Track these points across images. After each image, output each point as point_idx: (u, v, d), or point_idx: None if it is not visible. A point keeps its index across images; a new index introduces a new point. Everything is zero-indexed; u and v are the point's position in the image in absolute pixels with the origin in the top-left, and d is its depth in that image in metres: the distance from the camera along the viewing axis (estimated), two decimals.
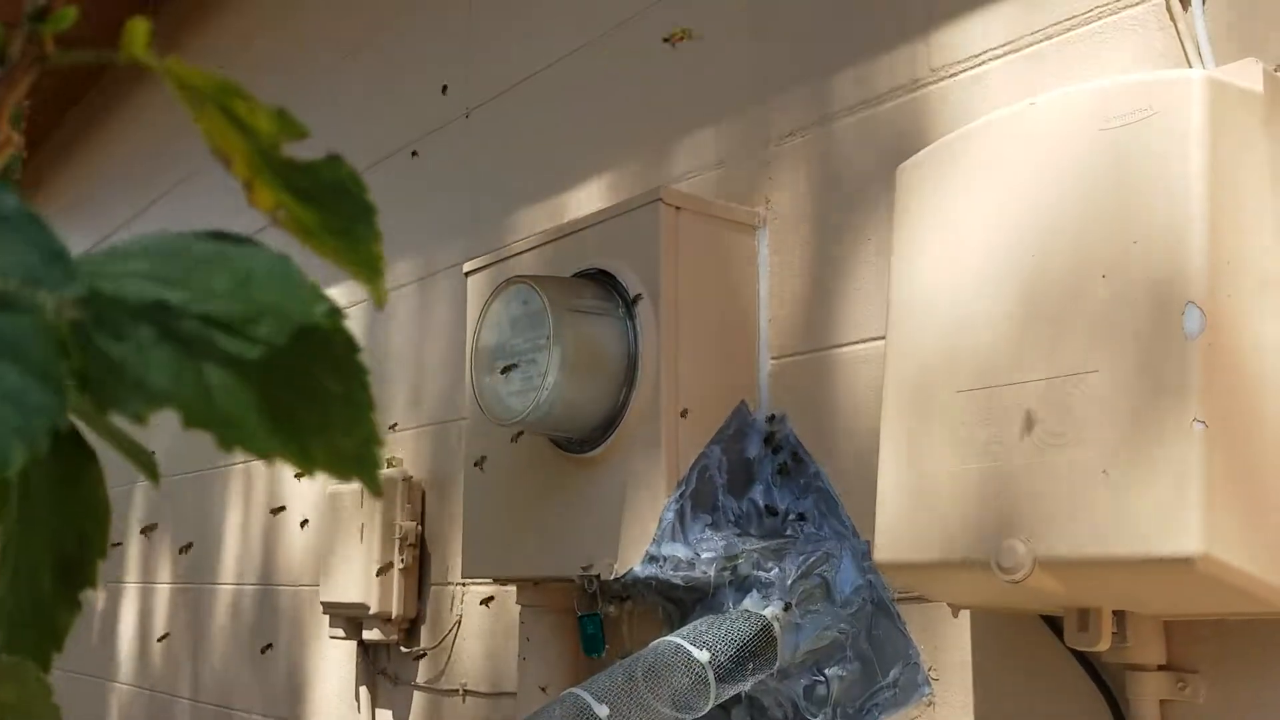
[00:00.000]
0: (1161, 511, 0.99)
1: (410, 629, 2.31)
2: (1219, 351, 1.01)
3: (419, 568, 2.30)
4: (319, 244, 0.37)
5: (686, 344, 1.60)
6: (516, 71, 2.27)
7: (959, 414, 1.17)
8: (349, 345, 0.36)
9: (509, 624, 2.01)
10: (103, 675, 3.88)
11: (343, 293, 2.59)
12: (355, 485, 2.20)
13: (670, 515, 1.52)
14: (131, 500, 3.76)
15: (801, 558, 1.49)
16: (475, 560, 1.85)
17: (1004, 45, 1.44)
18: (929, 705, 1.41)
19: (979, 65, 1.47)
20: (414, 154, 2.55)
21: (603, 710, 1.35)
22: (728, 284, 1.68)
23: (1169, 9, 1.28)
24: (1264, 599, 1.01)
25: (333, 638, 2.41)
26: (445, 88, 2.46)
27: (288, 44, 3.20)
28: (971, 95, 1.47)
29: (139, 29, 0.35)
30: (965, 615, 1.37)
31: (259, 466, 2.95)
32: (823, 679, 1.47)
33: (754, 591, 1.49)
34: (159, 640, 3.34)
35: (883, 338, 1.36)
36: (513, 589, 1.89)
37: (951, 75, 1.50)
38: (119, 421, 0.35)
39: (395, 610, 2.25)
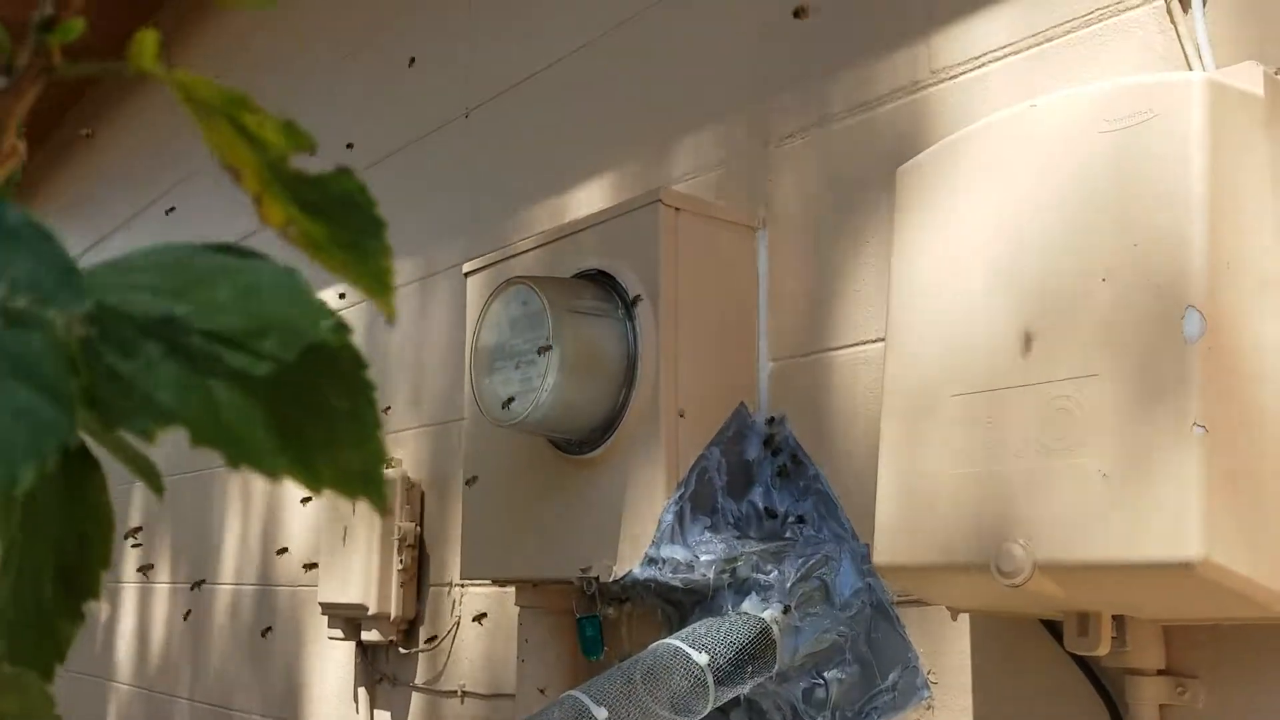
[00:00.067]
0: (1161, 516, 0.99)
1: (409, 630, 2.31)
2: (1219, 355, 1.01)
3: (418, 568, 2.30)
4: (328, 259, 0.37)
5: (686, 345, 1.59)
6: (516, 71, 2.27)
7: (959, 417, 1.17)
8: (355, 361, 0.36)
9: (508, 625, 2.01)
10: (101, 675, 3.88)
11: (340, 292, 2.58)
12: None
13: (669, 517, 1.52)
14: (130, 500, 3.76)
15: (801, 560, 1.48)
16: (474, 562, 1.85)
17: (1004, 47, 1.44)
18: (928, 709, 1.41)
19: (979, 67, 1.46)
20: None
21: (601, 713, 1.35)
22: (727, 285, 1.67)
23: (1169, 11, 1.28)
24: (1264, 604, 1.01)
25: (331, 639, 2.41)
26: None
27: (288, 44, 3.20)
28: (971, 97, 1.46)
29: (148, 41, 0.35)
30: (964, 619, 1.37)
31: None
32: (822, 682, 1.47)
33: (753, 594, 1.49)
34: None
35: (882, 340, 1.36)
36: (510, 592, 1.89)
37: (952, 77, 1.49)
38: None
39: (394, 611, 2.25)
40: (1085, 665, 1.23)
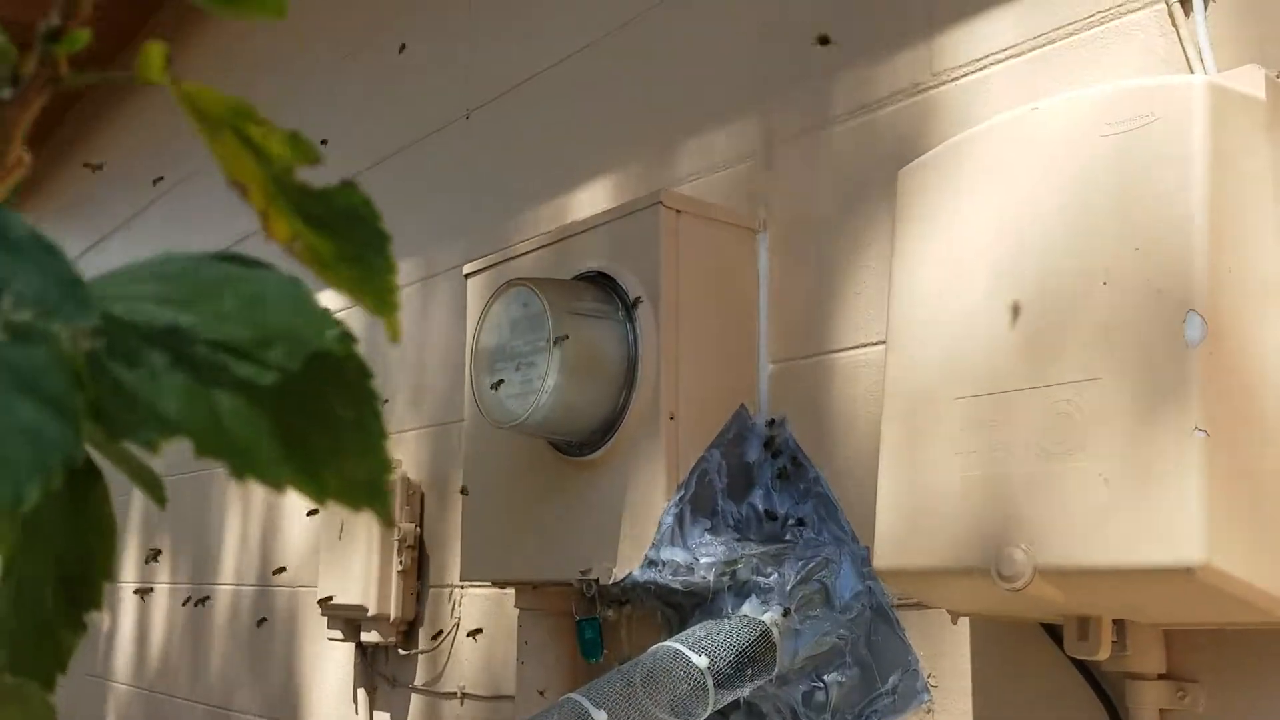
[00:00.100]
0: (1162, 520, 0.99)
1: (409, 631, 2.31)
2: (1220, 359, 1.01)
3: (417, 570, 2.30)
4: (333, 275, 0.37)
5: (686, 347, 1.59)
6: (517, 73, 2.27)
7: (959, 420, 1.17)
8: (360, 370, 0.36)
9: (507, 627, 2.00)
10: (100, 675, 3.87)
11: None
12: None
13: (669, 519, 1.52)
14: (130, 503, 3.75)
15: (801, 563, 1.48)
16: (474, 563, 1.85)
17: (1006, 49, 1.43)
18: (928, 713, 1.41)
19: (981, 69, 1.46)
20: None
21: (601, 716, 1.35)
22: (728, 287, 1.67)
23: (1171, 14, 1.28)
24: (1265, 609, 1.01)
25: (331, 639, 2.41)
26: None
27: (287, 44, 3.20)
28: (973, 99, 1.46)
29: (154, 52, 0.35)
30: (965, 622, 1.37)
31: None
32: (822, 685, 1.47)
33: (753, 597, 1.48)
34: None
35: (883, 342, 1.36)
36: (510, 594, 1.89)
37: (953, 79, 1.49)
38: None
39: (394, 612, 2.24)
40: (1085, 669, 1.23)
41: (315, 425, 0.35)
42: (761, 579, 1.48)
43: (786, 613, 1.46)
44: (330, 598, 2.27)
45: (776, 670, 1.45)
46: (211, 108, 0.36)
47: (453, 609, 2.21)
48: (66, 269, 0.32)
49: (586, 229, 1.71)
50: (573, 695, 1.40)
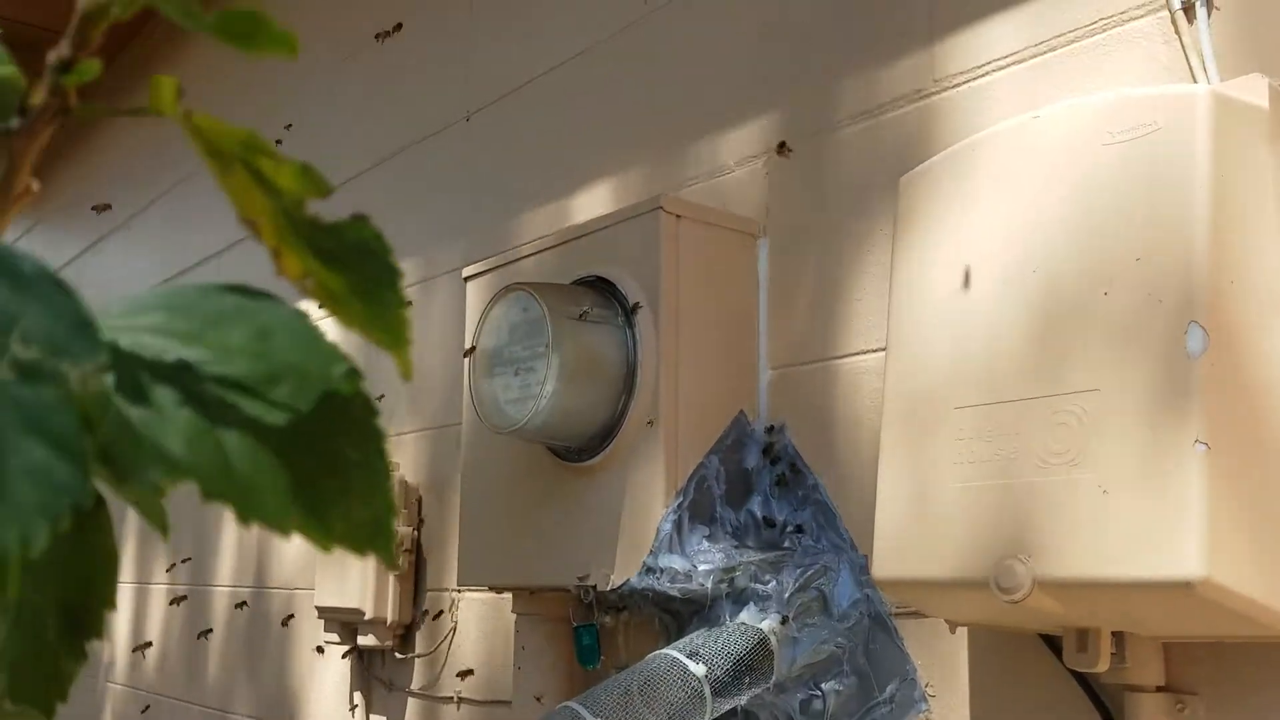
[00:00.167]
0: (1161, 534, 0.98)
1: (405, 635, 2.30)
2: (1222, 371, 1.00)
3: (415, 573, 2.29)
4: (345, 312, 0.37)
5: (686, 353, 1.59)
6: (517, 75, 2.27)
7: (959, 430, 1.16)
8: (367, 409, 0.36)
9: (505, 632, 2.00)
10: (96, 677, 3.87)
11: None
12: None
13: (668, 526, 1.51)
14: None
15: (799, 570, 1.48)
16: (471, 568, 1.84)
17: (1008, 56, 1.43)
18: None
19: (983, 76, 1.46)
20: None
21: None
22: (728, 293, 1.67)
23: (1174, 22, 1.27)
24: (1265, 624, 1.00)
25: (327, 643, 2.40)
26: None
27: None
28: (975, 106, 1.45)
29: (166, 86, 0.34)
30: (963, 632, 1.36)
31: None
32: (819, 693, 1.46)
33: (751, 604, 1.48)
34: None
35: (883, 349, 1.35)
36: (507, 599, 1.88)
37: (955, 86, 1.48)
38: None
39: (390, 616, 2.24)
40: (1084, 680, 1.22)
41: (323, 466, 0.34)
42: (759, 586, 1.47)
43: (784, 620, 1.45)
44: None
45: (774, 678, 1.44)
46: (222, 141, 0.36)
47: (452, 612, 2.21)
48: (77, 308, 0.32)
49: (586, 233, 1.71)
50: (570, 703, 1.39)
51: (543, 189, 2.16)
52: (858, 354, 1.55)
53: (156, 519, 0.38)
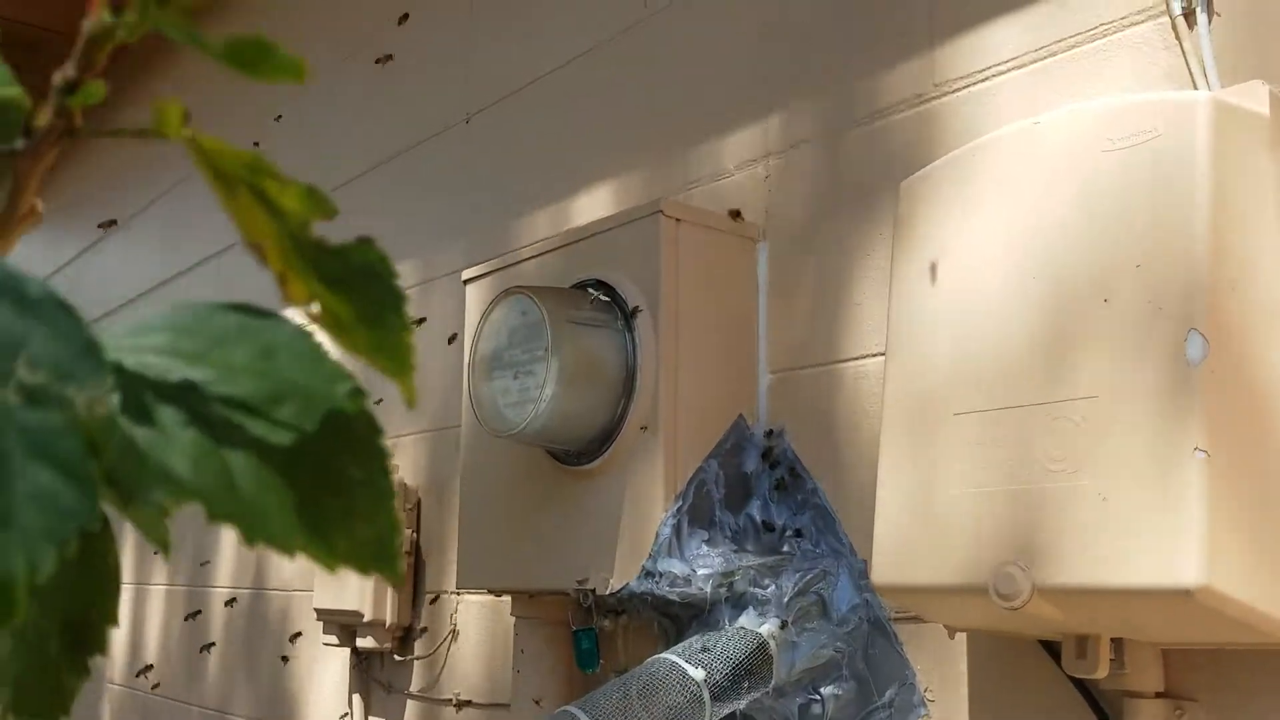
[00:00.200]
0: (1161, 541, 0.98)
1: (404, 637, 2.30)
2: (1222, 379, 1.00)
3: (414, 575, 2.29)
4: (350, 339, 0.37)
5: (685, 357, 1.59)
6: (517, 76, 2.26)
7: (958, 437, 1.16)
8: (371, 427, 0.36)
9: (504, 634, 2.00)
10: (95, 677, 3.87)
11: None
12: None
13: (667, 530, 1.51)
14: None
15: (798, 575, 1.48)
16: (470, 571, 1.84)
17: (1009, 61, 1.43)
18: None
19: (983, 81, 1.46)
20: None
21: None
22: (727, 297, 1.67)
23: (1174, 28, 1.27)
24: (1265, 631, 1.00)
25: (326, 645, 2.40)
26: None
27: (288, 45, 3.19)
28: (975, 111, 1.46)
29: (172, 111, 0.34)
30: (962, 637, 1.36)
31: None
32: (818, 698, 1.46)
33: (750, 608, 1.48)
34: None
35: (883, 354, 1.35)
36: (506, 601, 1.88)
37: (955, 90, 1.49)
38: None
39: (389, 618, 2.24)
40: (1083, 686, 1.22)
41: (327, 486, 0.34)
42: (759, 591, 1.47)
43: (784, 625, 1.45)
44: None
45: (773, 683, 1.44)
46: (227, 164, 0.36)
47: (452, 615, 2.21)
48: (83, 332, 0.32)
49: (586, 237, 1.71)
50: (568, 708, 1.39)
51: (542, 191, 2.16)
52: (857, 358, 1.55)
53: (160, 539, 0.38)
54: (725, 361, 1.64)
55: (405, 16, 2.57)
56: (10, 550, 0.28)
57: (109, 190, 4.47)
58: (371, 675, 2.40)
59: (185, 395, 0.35)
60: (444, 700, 2.19)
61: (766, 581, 1.47)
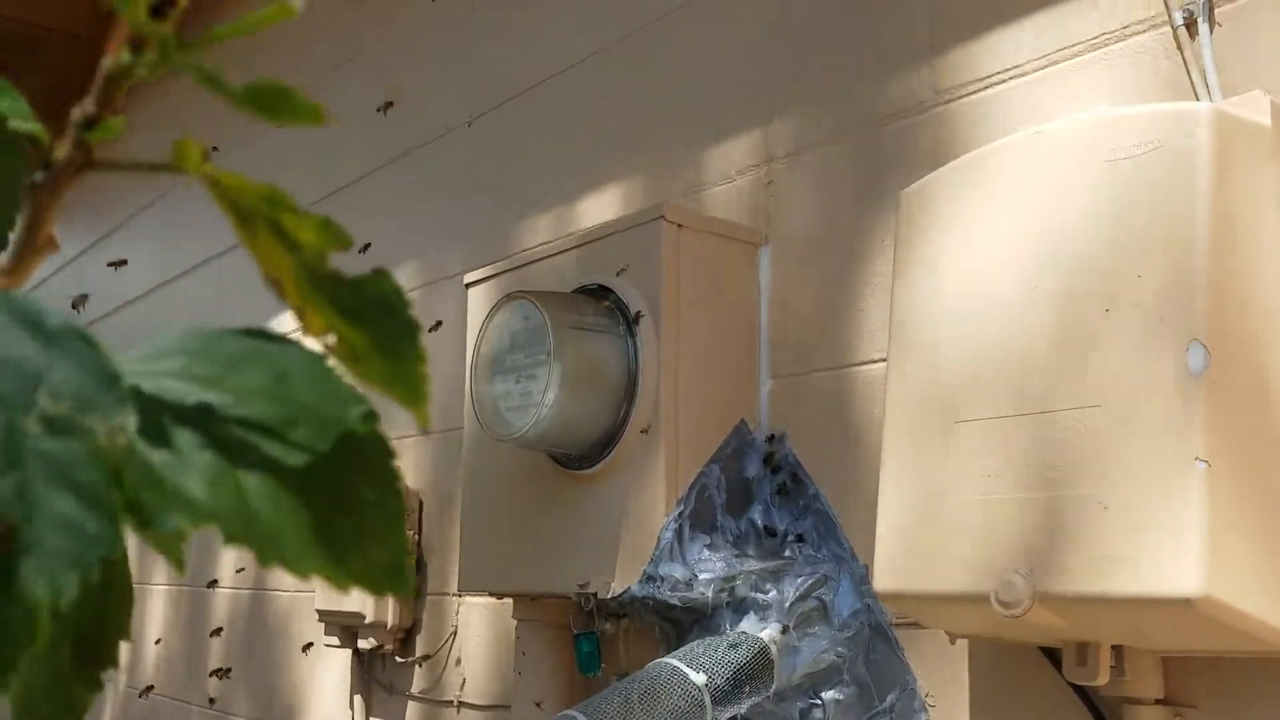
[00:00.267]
0: (1161, 550, 0.99)
1: (406, 638, 2.31)
2: (1224, 389, 1.01)
3: (415, 577, 2.30)
4: (365, 370, 0.37)
5: (687, 362, 1.59)
6: (519, 80, 2.27)
7: (960, 444, 1.17)
8: (383, 449, 0.36)
9: (506, 636, 2.00)
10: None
11: None
12: None
13: (669, 534, 1.52)
14: None
15: (800, 580, 1.48)
16: (472, 574, 1.85)
17: (1010, 70, 1.43)
18: None
19: (985, 89, 1.46)
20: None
21: None
22: (729, 302, 1.67)
23: (1176, 38, 1.28)
24: (1266, 640, 1.01)
25: (328, 645, 2.41)
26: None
27: (288, 47, 3.20)
28: (976, 119, 1.46)
29: (191, 148, 0.35)
30: (963, 643, 1.37)
31: None
32: (819, 703, 1.47)
33: (751, 613, 1.48)
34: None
35: (884, 360, 1.36)
36: (508, 604, 1.89)
37: (957, 98, 1.49)
38: None
39: (391, 619, 2.24)
40: (1083, 693, 1.23)
41: (340, 507, 0.35)
42: (760, 595, 1.48)
43: (785, 630, 1.46)
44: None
45: (774, 687, 1.45)
46: (245, 198, 0.36)
47: (456, 616, 2.21)
48: (103, 362, 0.32)
49: (588, 241, 1.71)
50: (570, 711, 1.40)
51: (544, 195, 2.16)
52: (859, 364, 1.55)
53: (175, 558, 0.39)
54: (727, 366, 1.65)
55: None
56: (34, 576, 0.29)
57: (109, 190, 4.47)
58: (373, 676, 2.41)
59: (201, 418, 0.35)
60: (445, 702, 2.19)
61: (768, 586, 1.48)
